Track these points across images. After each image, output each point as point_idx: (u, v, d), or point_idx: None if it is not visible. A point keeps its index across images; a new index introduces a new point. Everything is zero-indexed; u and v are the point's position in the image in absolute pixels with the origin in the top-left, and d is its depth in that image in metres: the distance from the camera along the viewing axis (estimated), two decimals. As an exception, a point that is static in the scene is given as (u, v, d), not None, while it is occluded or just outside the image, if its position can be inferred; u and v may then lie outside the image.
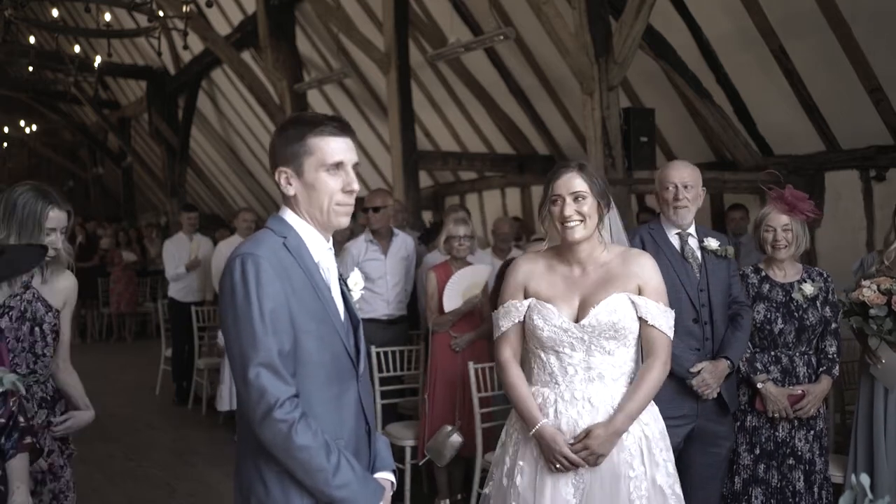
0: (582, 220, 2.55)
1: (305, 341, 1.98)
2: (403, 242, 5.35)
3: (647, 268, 2.61)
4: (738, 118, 6.72)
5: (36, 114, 17.35)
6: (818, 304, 3.51)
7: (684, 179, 3.35)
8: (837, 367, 3.55)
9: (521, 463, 2.58)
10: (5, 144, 19.01)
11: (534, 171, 8.80)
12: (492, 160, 9.18)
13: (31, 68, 13.04)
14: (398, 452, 4.84)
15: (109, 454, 6.17)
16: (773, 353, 3.51)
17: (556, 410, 2.54)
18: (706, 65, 6.52)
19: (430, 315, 4.76)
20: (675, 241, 3.40)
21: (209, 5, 7.42)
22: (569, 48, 5.31)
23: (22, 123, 17.48)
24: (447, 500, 4.72)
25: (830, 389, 3.63)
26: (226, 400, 6.51)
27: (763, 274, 3.60)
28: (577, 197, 2.54)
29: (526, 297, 2.64)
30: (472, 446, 4.32)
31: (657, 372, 2.57)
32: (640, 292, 2.59)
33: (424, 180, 9.83)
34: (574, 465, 2.47)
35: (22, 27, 9.47)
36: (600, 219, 2.60)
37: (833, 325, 3.55)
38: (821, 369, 3.52)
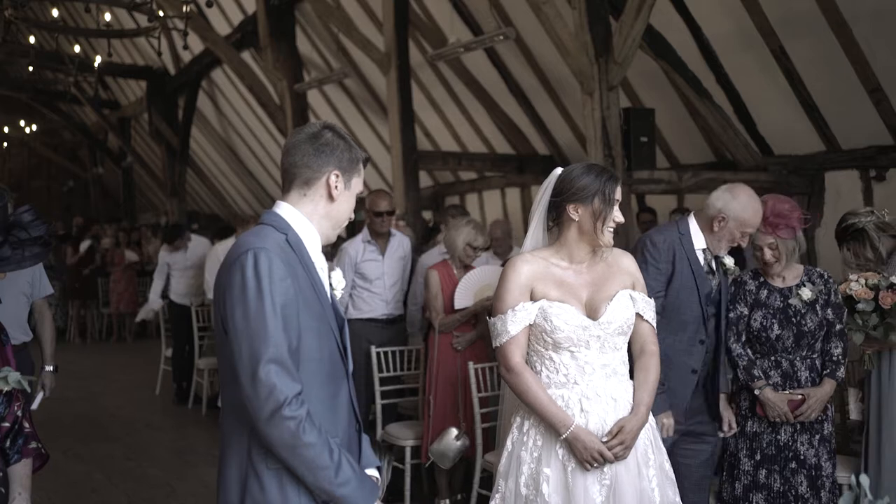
0: None
1: (308, 339, 1.97)
2: (401, 243, 5.35)
3: (633, 264, 2.75)
4: (738, 118, 6.71)
5: (36, 114, 17.35)
6: (818, 308, 3.43)
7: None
8: (843, 370, 3.46)
9: (546, 470, 2.54)
10: (5, 144, 19.00)
11: (534, 171, 8.80)
12: (492, 160, 9.18)
13: (31, 68, 13.00)
14: (398, 452, 4.84)
15: (109, 454, 6.17)
16: (772, 357, 3.46)
17: (581, 410, 2.55)
18: (706, 65, 6.52)
19: (434, 315, 4.66)
20: (701, 257, 3.40)
21: (209, 5, 7.41)
22: (569, 48, 5.30)
23: (22, 123, 17.48)
24: (447, 501, 4.71)
25: (831, 391, 3.60)
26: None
27: (761, 279, 3.53)
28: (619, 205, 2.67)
29: (533, 299, 2.60)
30: (472, 447, 4.32)
31: (657, 362, 2.70)
32: (633, 288, 2.68)
33: (424, 180, 9.83)
34: (606, 462, 2.50)
35: (22, 27, 9.44)
36: None
37: (837, 327, 3.46)
38: (824, 372, 3.43)
